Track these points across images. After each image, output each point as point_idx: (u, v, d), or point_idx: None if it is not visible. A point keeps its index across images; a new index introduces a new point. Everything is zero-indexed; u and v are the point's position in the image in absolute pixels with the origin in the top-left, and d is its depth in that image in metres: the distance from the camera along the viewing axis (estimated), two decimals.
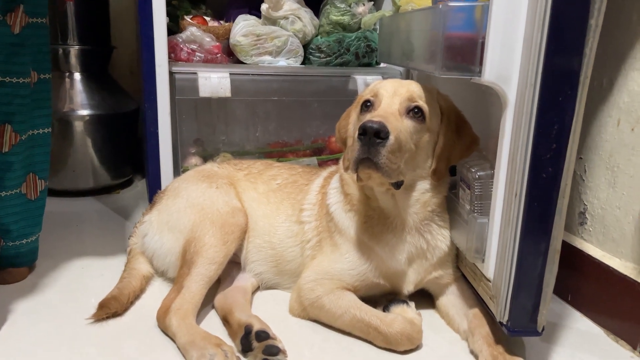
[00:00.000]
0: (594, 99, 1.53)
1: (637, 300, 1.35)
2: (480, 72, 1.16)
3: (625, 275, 1.39)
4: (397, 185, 1.32)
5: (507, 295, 1.19)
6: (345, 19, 2.19)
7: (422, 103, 1.31)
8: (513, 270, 1.17)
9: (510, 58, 1.13)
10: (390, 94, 1.32)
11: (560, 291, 1.63)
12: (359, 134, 1.20)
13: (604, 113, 1.50)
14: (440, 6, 1.21)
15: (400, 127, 1.25)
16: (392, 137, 1.20)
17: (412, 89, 1.33)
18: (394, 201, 1.39)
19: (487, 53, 1.13)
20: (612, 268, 1.44)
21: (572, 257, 1.57)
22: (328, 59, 2.19)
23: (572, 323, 1.51)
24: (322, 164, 2.17)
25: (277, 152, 2.21)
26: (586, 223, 1.58)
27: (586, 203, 1.57)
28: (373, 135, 1.18)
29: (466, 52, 1.18)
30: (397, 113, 1.28)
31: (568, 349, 1.38)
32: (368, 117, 1.27)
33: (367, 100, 1.35)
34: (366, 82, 2.11)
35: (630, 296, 1.37)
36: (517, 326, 1.20)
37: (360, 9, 2.19)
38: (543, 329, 1.22)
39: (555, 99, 1.07)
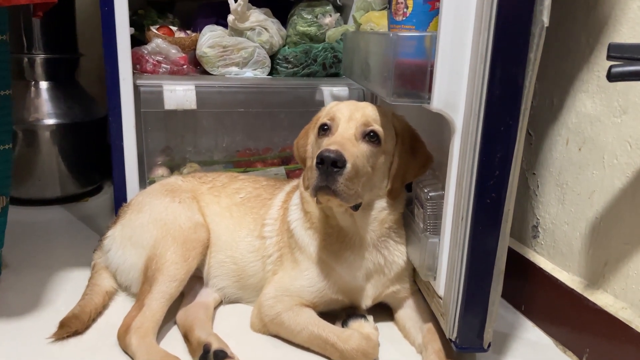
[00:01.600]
0: (546, 118, 1.58)
1: (583, 313, 1.41)
2: (429, 99, 1.20)
3: (573, 289, 1.45)
4: (356, 207, 1.36)
5: (456, 313, 1.24)
6: (312, 29, 2.21)
7: (377, 127, 1.35)
8: (461, 289, 1.22)
9: (458, 87, 1.17)
10: (346, 118, 1.35)
11: (514, 301, 1.69)
12: (317, 163, 1.23)
13: (555, 132, 1.55)
14: (391, 34, 1.24)
15: (357, 152, 1.29)
16: (349, 165, 1.23)
17: (367, 113, 1.36)
18: (353, 220, 1.43)
19: (435, 82, 1.17)
20: (561, 281, 1.50)
21: (526, 269, 1.64)
22: (295, 69, 2.21)
23: (523, 333, 1.57)
24: (290, 173, 2.20)
25: (244, 161, 2.23)
26: (538, 236, 1.64)
27: (538, 217, 1.63)
28: (330, 165, 1.21)
29: (416, 79, 1.22)
30: (353, 138, 1.32)
31: (518, 359, 1.44)
32: (325, 142, 1.31)
33: (324, 124, 1.38)
34: (332, 94, 2.14)
35: (577, 309, 1.43)
36: (465, 343, 1.25)
37: (327, 20, 2.22)
38: (489, 346, 1.27)
39: (498, 128, 1.12)
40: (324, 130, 1.38)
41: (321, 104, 2.11)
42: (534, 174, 1.65)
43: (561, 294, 1.49)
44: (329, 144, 1.27)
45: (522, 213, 1.70)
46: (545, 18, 1.06)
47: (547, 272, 1.56)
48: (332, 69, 2.26)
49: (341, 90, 2.14)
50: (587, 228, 1.44)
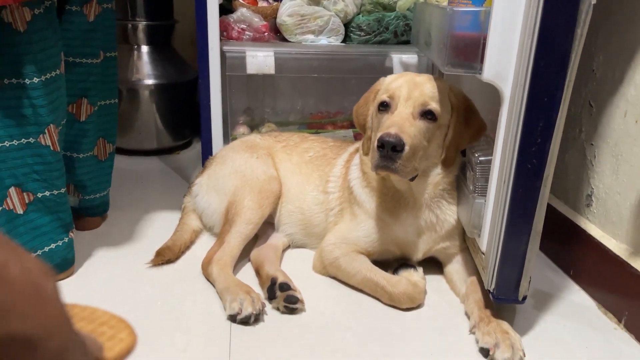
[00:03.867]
0: (607, 90, 1.61)
1: (626, 278, 1.47)
2: (481, 70, 1.29)
3: (618, 255, 1.51)
4: (412, 178, 1.50)
5: (494, 267, 1.36)
6: None
7: (434, 105, 1.46)
8: (500, 246, 1.34)
9: (508, 59, 1.25)
10: (405, 97, 1.46)
11: (564, 266, 1.77)
12: (378, 146, 1.38)
13: (614, 104, 1.58)
14: (448, 8, 1.34)
15: (414, 131, 1.42)
16: (407, 148, 1.37)
17: (425, 92, 1.46)
18: (408, 185, 1.56)
19: (487, 54, 1.26)
20: (609, 248, 1.56)
21: (577, 236, 1.70)
22: (368, 37, 2.33)
23: (568, 295, 1.65)
24: (357, 136, 2.36)
25: (317, 123, 2.41)
26: (592, 205, 1.69)
27: (593, 187, 1.68)
28: (390, 149, 1.36)
29: (469, 51, 1.32)
30: (411, 117, 1.44)
31: (557, 316, 1.54)
32: (385, 121, 1.45)
33: (384, 101, 1.50)
34: (402, 61, 2.24)
35: (621, 274, 1.50)
36: (501, 294, 1.38)
37: None
38: (524, 298, 1.39)
39: (542, 98, 1.20)
40: (384, 107, 1.51)
41: (390, 70, 2.23)
42: (592, 144, 1.69)
43: (607, 260, 1.55)
44: (389, 125, 1.41)
45: (578, 182, 1.75)
46: None
47: (596, 240, 1.62)
48: (403, 37, 2.35)
49: (410, 57, 2.23)
50: (637, 199, 1.48)
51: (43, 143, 1.47)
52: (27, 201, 1.49)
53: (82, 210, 1.89)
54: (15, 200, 1.47)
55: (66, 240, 1.58)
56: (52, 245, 1.54)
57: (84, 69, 1.70)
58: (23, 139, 1.44)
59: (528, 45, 1.18)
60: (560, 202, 1.85)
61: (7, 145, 1.43)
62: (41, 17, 1.40)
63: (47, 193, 1.51)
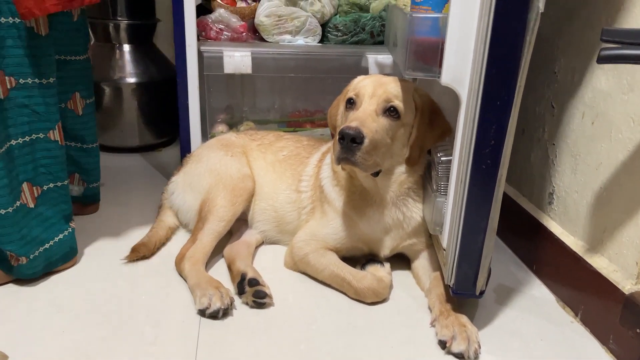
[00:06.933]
0: (566, 92, 1.67)
1: (582, 274, 1.54)
2: (440, 74, 1.34)
3: (575, 252, 1.57)
4: (376, 173, 1.55)
5: (453, 263, 1.42)
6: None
7: (397, 103, 1.51)
8: (458, 243, 1.39)
9: (464, 64, 1.30)
10: (369, 95, 1.52)
11: (527, 261, 1.83)
12: (339, 138, 1.42)
13: (573, 106, 1.64)
14: (408, 14, 1.39)
15: (376, 127, 1.46)
16: (366, 141, 1.42)
17: (389, 90, 1.52)
18: (374, 182, 1.61)
19: (445, 59, 1.31)
20: (567, 245, 1.62)
21: (540, 233, 1.76)
22: (344, 37, 2.37)
23: (529, 290, 1.71)
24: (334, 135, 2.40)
25: (295, 122, 2.45)
26: (553, 203, 1.75)
27: (554, 185, 1.74)
28: (350, 141, 1.41)
29: (428, 55, 1.37)
30: (374, 113, 1.49)
31: (517, 310, 1.60)
32: (350, 116, 1.50)
33: (351, 98, 1.56)
34: (377, 61, 2.29)
35: (578, 270, 1.56)
36: (460, 289, 1.43)
37: None
38: (482, 293, 1.44)
39: (494, 102, 1.25)
40: (350, 104, 1.56)
41: (366, 70, 2.28)
42: (553, 144, 1.74)
43: (566, 256, 1.61)
44: (351, 120, 1.45)
45: (541, 180, 1.81)
46: (540, 4, 1.16)
47: (556, 236, 1.68)
48: (380, 37, 2.39)
49: (385, 57, 2.28)
50: (593, 197, 1.54)
51: (52, 138, 1.57)
52: (36, 195, 1.57)
53: (87, 197, 2.01)
54: (27, 195, 1.55)
55: (70, 230, 1.67)
56: (60, 236, 1.63)
57: (73, 65, 1.77)
58: (33, 135, 1.54)
59: (481, 52, 1.24)
60: (525, 199, 1.91)
61: (21, 142, 1.51)
62: (57, 22, 1.53)
63: (51, 185, 1.60)
